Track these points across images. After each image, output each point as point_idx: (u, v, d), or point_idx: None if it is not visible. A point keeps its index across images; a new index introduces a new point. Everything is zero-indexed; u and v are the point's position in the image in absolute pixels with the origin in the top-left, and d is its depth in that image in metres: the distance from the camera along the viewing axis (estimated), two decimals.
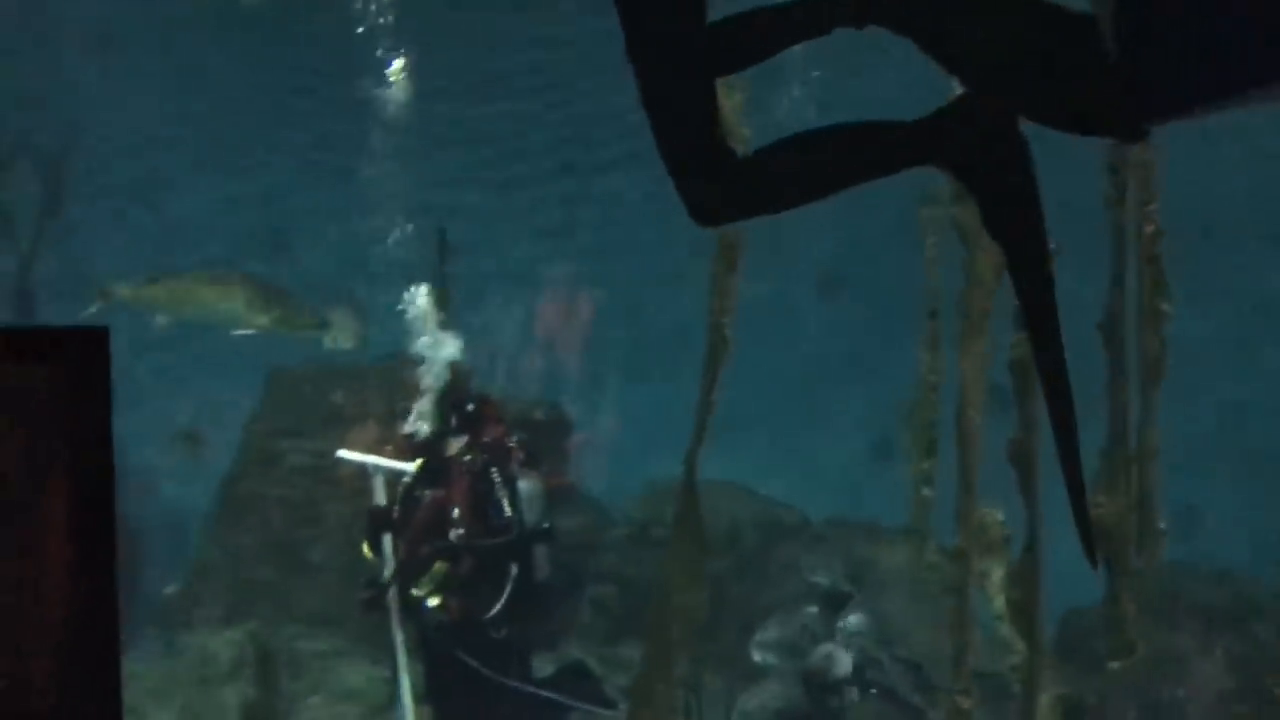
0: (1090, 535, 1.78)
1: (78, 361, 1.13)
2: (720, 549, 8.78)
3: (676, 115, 1.73)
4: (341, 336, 8.75)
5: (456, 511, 5.96)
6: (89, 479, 1.12)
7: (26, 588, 1.16)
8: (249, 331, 8.21)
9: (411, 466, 6.09)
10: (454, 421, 6.29)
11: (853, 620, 7.56)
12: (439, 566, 5.95)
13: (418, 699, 6.11)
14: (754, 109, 4.18)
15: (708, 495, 5.78)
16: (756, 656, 7.44)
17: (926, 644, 7.35)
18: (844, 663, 6.67)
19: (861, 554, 8.28)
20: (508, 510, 5.89)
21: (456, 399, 6.31)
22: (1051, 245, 1.68)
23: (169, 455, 10.69)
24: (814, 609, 7.81)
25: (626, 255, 15.17)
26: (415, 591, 5.93)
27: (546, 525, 6.26)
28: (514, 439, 6.41)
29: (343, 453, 6.31)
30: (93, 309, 7.93)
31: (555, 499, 6.78)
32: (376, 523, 6.05)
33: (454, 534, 5.87)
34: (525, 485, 6.24)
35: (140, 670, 6.93)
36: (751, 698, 7.10)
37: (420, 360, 6.53)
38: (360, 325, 8.75)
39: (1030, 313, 1.66)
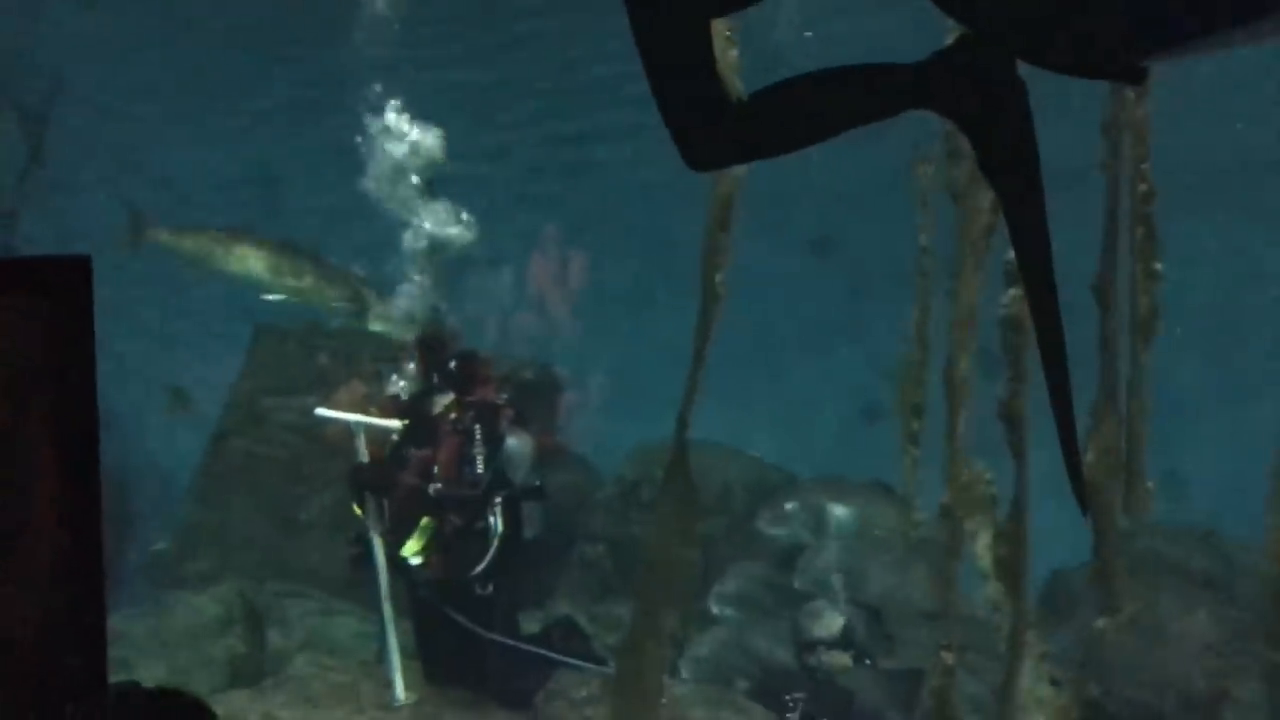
0: (1083, 483, 1.77)
1: (60, 291, 1.10)
2: (710, 509, 8.81)
3: (670, 57, 1.70)
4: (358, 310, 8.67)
5: (437, 469, 5.96)
6: (73, 410, 1.09)
7: (12, 522, 1.14)
8: (279, 296, 8.15)
9: (392, 423, 6.09)
10: (437, 380, 6.29)
11: (809, 569, 7.65)
12: (425, 523, 5.97)
13: (407, 655, 6.13)
14: (748, 52, 4.14)
15: (698, 455, 5.79)
16: (714, 609, 7.52)
17: (884, 591, 7.53)
18: (831, 623, 6.69)
19: (823, 506, 8.36)
20: (480, 468, 5.90)
21: (440, 358, 6.30)
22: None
23: (157, 410, 10.65)
24: (770, 561, 7.89)
25: (620, 215, 15.12)
26: (403, 551, 5.95)
27: (537, 483, 6.28)
28: (502, 398, 6.41)
29: (322, 410, 6.30)
30: (125, 243, 7.83)
31: (545, 458, 6.79)
32: (359, 480, 6.05)
33: (433, 489, 5.88)
34: (513, 443, 6.24)
35: (128, 626, 6.94)
36: (700, 645, 7.15)
37: (408, 319, 6.51)
38: (375, 301, 8.67)
39: (1025, 260, 1.64)
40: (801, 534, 8.12)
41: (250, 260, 8.09)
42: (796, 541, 8.08)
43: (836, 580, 7.47)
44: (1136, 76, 1.54)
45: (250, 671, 7.11)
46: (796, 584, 7.63)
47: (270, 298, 8.06)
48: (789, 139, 1.78)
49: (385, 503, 6.07)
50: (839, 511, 8.34)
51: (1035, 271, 1.65)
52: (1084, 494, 1.81)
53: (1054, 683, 4.83)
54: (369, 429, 6.21)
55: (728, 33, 4.41)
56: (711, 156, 1.85)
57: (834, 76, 1.71)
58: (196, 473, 8.95)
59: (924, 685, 5.38)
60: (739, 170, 5.18)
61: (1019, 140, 1.63)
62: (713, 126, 1.75)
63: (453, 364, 6.33)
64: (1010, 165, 1.64)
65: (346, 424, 6.25)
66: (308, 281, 7.93)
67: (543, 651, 6.05)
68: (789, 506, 8.38)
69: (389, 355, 6.64)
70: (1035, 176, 1.64)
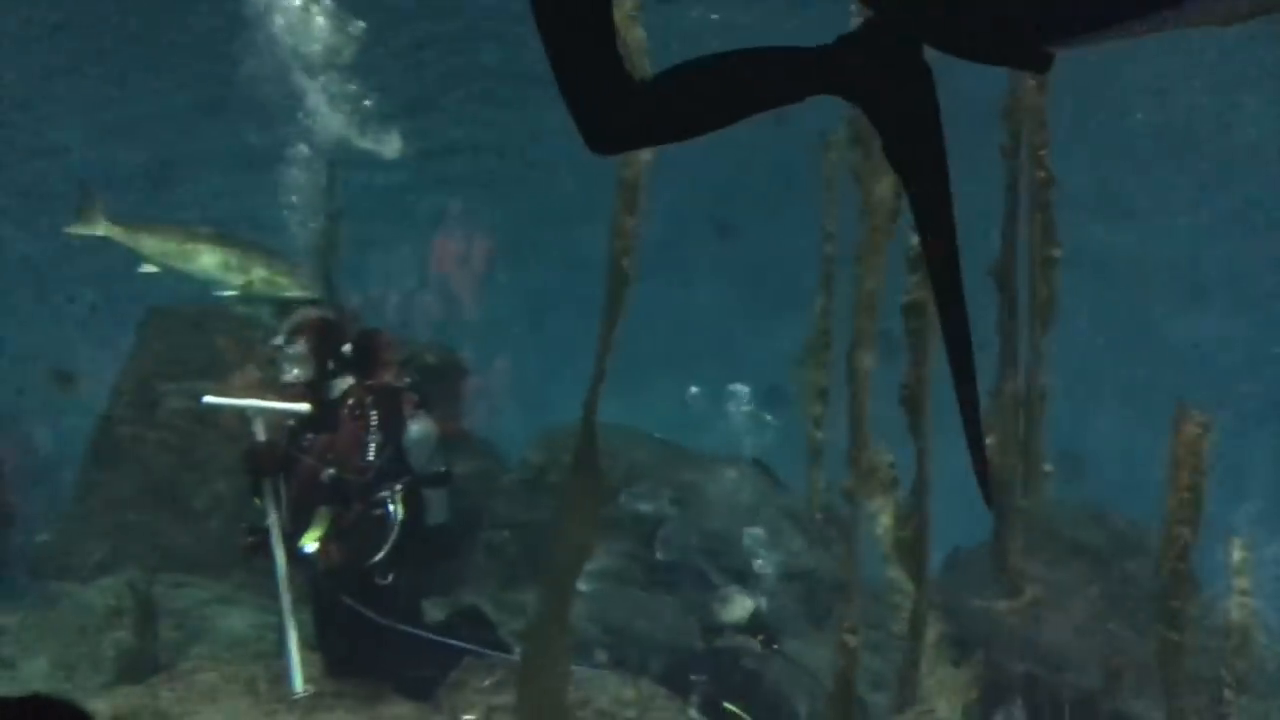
0: (987, 474, 1.76)
1: None
2: (617, 492, 8.79)
3: (571, 36, 1.64)
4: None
5: (335, 455, 5.82)
6: None
7: None
8: (230, 293, 7.94)
9: (290, 407, 5.92)
10: (333, 364, 6.13)
11: (670, 541, 7.73)
12: (323, 512, 5.82)
13: (308, 646, 5.99)
14: (652, 33, 4.09)
15: (606, 439, 5.75)
16: (583, 586, 7.56)
17: (746, 557, 7.71)
18: (739, 609, 6.72)
19: (687, 479, 8.44)
20: (371, 454, 5.77)
21: (338, 340, 6.14)
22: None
23: (39, 395, 10.24)
24: (633, 535, 7.93)
25: (526, 198, 14.97)
26: (301, 540, 5.79)
27: (443, 469, 6.17)
28: (406, 382, 6.28)
29: (210, 398, 6.11)
30: (73, 231, 7.58)
31: (449, 443, 6.68)
32: (253, 463, 5.88)
33: (325, 475, 5.74)
34: (415, 429, 6.12)
35: (9, 621, 6.66)
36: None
37: (305, 301, 6.33)
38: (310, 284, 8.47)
39: (929, 247, 1.62)
40: (665, 508, 8.17)
41: (205, 257, 7.90)
42: (660, 515, 8.14)
43: (693, 544, 7.59)
44: (1042, 64, 1.53)
45: (141, 666, 6.88)
46: (659, 555, 7.70)
47: (225, 294, 7.87)
48: (693, 122, 1.73)
49: (282, 489, 5.91)
50: (703, 485, 8.43)
51: (940, 257, 1.63)
52: (989, 483, 1.80)
53: (954, 663, 4.90)
54: (265, 414, 6.03)
55: (632, 11, 4.35)
56: (614, 140, 1.79)
57: (739, 59, 1.66)
58: (82, 459, 8.62)
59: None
60: (646, 153, 5.13)
61: (925, 126, 1.60)
62: (614, 109, 1.69)
63: (347, 348, 6.18)
64: (916, 151, 1.61)
65: (241, 409, 6.06)
66: (258, 275, 7.75)
67: (445, 640, 5.95)
68: (653, 482, 8.44)
69: (285, 338, 6.45)
70: (941, 162, 1.62)
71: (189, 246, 7.95)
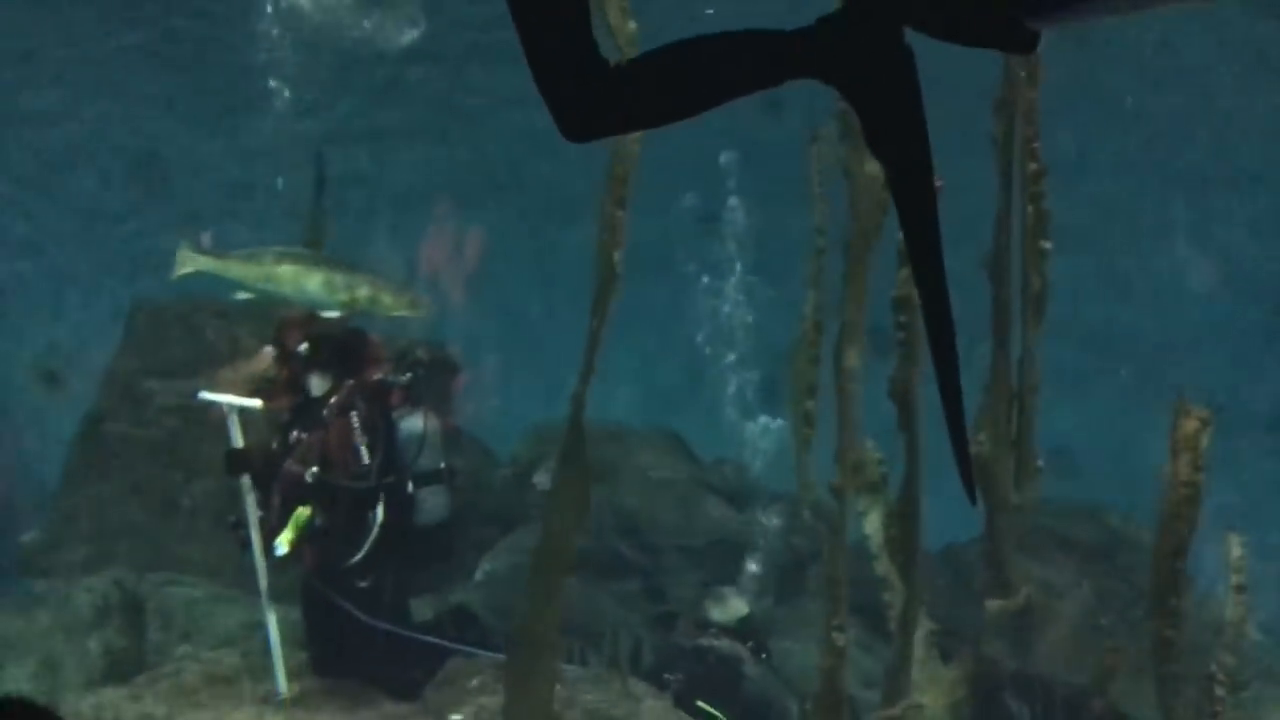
0: (970, 470, 1.72)
1: None
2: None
3: (544, 18, 1.59)
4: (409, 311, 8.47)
5: (319, 454, 5.76)
6: None
7: None
8: (335, 313, 7.95)
9: (260, 404, 5.86)
10: (325, 360, 6.08)
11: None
12: (299, 513, 5.75)
13: (295, 646, 5.93)
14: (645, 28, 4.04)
15: (594, 436, 5.68)
16: (484, 566, 7.55)
17: (670, 529, 7.76)
18: (733, 609, 6.66)
19: (607, 456, 8.40)
20: (365, 457, 5.69)
21: (327, 337, 6.08)
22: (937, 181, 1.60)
23: (26, 393, 10.16)
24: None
25: (518, 192, 14.91)
26: (275, 541, 5.72)
27: (440, 465, 6.10)
28: (404, 378, 6.22)
29: (205, 394, 6.05)
30: (175, 276, 7.61)
31: (443, 440, 6.62)
32: (234, 466, 5.82)
33: (309, 475, 5.67)
34: (416, 425, 6.06)
35: None
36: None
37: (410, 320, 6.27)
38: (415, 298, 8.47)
39: (911, 235, 1.57)
40: None
41: (308, 279, 7.89)
42: None
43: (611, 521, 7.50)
44: (1025, 46, 1.48)
45: (128, 666, 6.82)
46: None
47: (329, 314, 7.86)
48: (670, 108, 1.68)
49: (267, 489, 5.85)
50: (618, 461, 8.37)
51: (922, 246, 1.58)
52: (971, 480, 1.76)
53: (944, 659, 4.86)
54: (247, 412, 5.98)
55: (623, 3, 4.29)
56: (589, 126, 1.73)
57: (717, 42, 1.61)
58: (68, 457, 8.55)
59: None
60: (635, 147, 5.08)
61: (906, 110, 1.55)
62: (589, 94, 1.64)
63: (339, 344, 6.12)
64: (897, 135, 1.57)
65: (224, 407, 6.01)
66: (364, 294, 7.73)
67: (431, 639, 5.89)
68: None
69: (278, 333, 6.38)
70: (923, 149, 1.57)
71: (288, 270, 7.96)
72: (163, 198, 13.81)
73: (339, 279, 7.83)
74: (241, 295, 7.73)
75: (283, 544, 5.63)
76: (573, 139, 1.70)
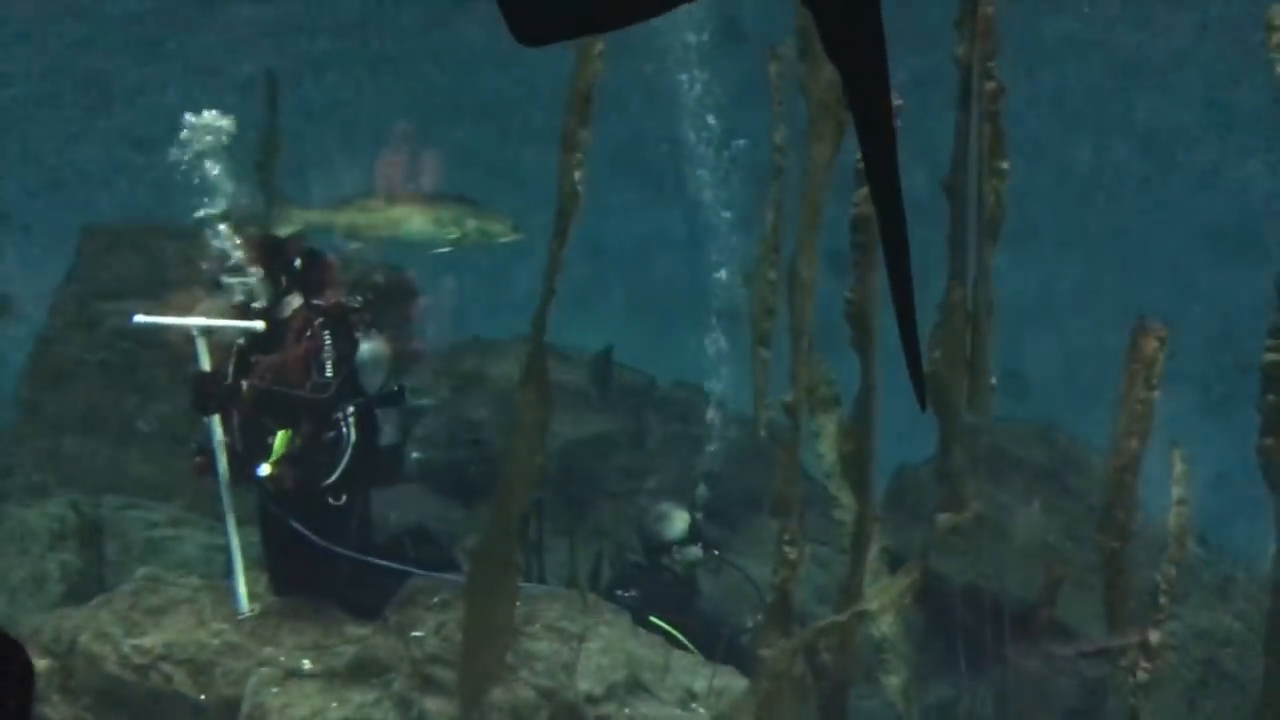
0: (922, 378, 1.74)
1: None
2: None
3: None
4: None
5: (285, 375, 5.74)
6: None
7: None
8: (445, 250, 7.80)
9: (238, 324, 5.82)
10: (284, 283, 6.03)
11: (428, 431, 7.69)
12: (281, 436, 5.75)
13: (256, 567, 5.96)
14: None
15: (555, 358, 5.69)
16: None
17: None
18: (678, 522, 6.78)
19: (468, 368, 8.41)
20: (329, 372, 5.70)
21: (284, 259, 6.02)
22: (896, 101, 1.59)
23: None
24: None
25: (480, 112, 14.69)
26: (256, 463, 5.73)
27: (396, 388, 6.12)
28: (357, 301, 6.19)
29: (141, 317, 5.98)
30: (283, 233, 7.47)
31: (401, 364, 6.61)
32: (199, 397, 5.78)
33: (276, 394, 5.66)
34: (367, 349, 6.05)
35: None
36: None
37: (250, 218, 6.20)
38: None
39: (866, 147, 1.58)
40: (423, 397, 8.00)
41: (414, 220, 7.74)
42: (418, 404, 7.95)
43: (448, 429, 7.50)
44: None
45: (87, 588, 6.82)
46: (414, 454, 7.56)
47: (440, 252, 7.72)
48: (625, 8, 1.66)
49: (232, 412, 5.83)
50: (485, 370, 8.39)
51: (877, 159, 1.58)
52: (923, 389, 1.79)
53: (893, 570, 4.96)
54: (211, 335, 5.92)
55: None
56: (542, 28, 1.71)
57: None
58: (20, 381, 8.44)
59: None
60: (599, 63, 5.02)
61: (863, 13, 1.54)
62: None
63: (298, 264, 6.07)
64: (852, 38, 1.55)
65: (187, 330, 5.95)
66: (471, 227, 7.61)
67: (392, 564, 5.94)
68: (433, 373, 8.27)
69: (230, 257, 6.30)
70: (880, 50, 1.56)
71: (396, 212, 7.83)
72: (106, 117, 13.50)
73: (446, 215, 7.78)
74: (353, 245, 7.65)
75: (267, 466, 5.64)
76: (525, 43, 1.67)
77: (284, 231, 7.53)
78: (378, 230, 7.76)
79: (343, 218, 7.72)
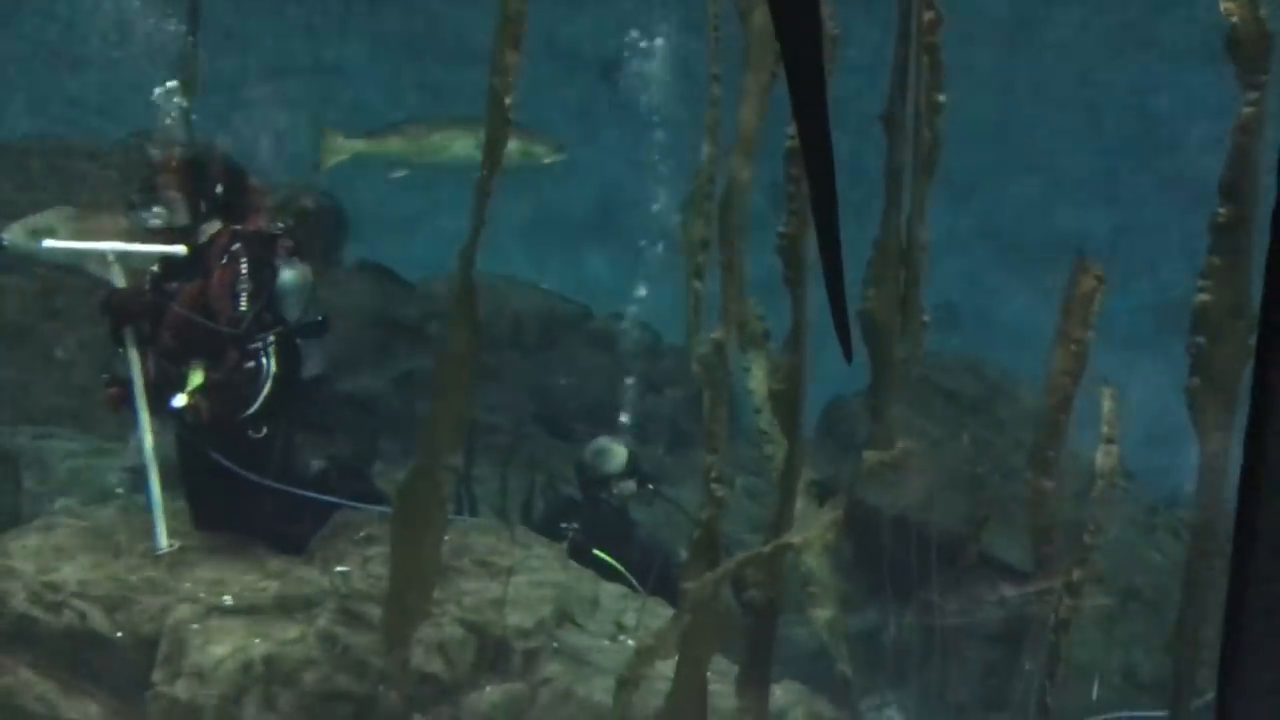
0: (846, 327, 1.67)
1: None
2: (502, 342, 8.67)
3: None
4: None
5: (203, 303, 5.57)
6: None
7: None
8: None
9: (142, 249, 5.62)
10: (204, 207, 5.82)
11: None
12: (196, 365, 5.59)
13: (179, 501, 5.82)
14: None
15: (490, 289, 5.56)
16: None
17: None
18: (617, 457, 6.76)
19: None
20: (243, 304, 5.53)
21: (206, 182, 5.80)
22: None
23: None
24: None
25: (411, 40, 14.30)
26: (172, 395, 5.56)
27: (320, 318, 5.95)
28: (279, 227, 5.99)
29: (50, 241, 5.75)
30: (325, 167, 7.09)
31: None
32: (115, 313, 5.58)
33: (192, 320, 5.49)
34: (288, 276, 5.86)
35: None
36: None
37: (168, 139, 5.96)
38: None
39: (792, 74, 1.48)
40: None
41: (457, 144, 7.46)
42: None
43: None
44: None
45: (2, 519, 6.63)
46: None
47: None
48: None
49: (146, 340, 5.65)
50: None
51: (803, 88, 1.48)
52: (848, 338, 1.71)
53: (820, 501, 4.96)
54: (124, 259, 5.72)
55: None
56: None
57: None
58: None
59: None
60: None
61: None
62: None
63: (220, 189, 5.85)
64: None
65: (101, 253, 5.74)
66: (516, 148, 7.38)
67: (317, 495, 5.83)
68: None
69: (150, 176, 6.07)
70: None
71: (437, 138, 7.56)
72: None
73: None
74: (397, 173, 7.41)
75: (183, 397, 5.48)
76: None
77: (331, 162, 7.34)
78: (424, 157, 7.62)
79: (389, 145, 7.54)
